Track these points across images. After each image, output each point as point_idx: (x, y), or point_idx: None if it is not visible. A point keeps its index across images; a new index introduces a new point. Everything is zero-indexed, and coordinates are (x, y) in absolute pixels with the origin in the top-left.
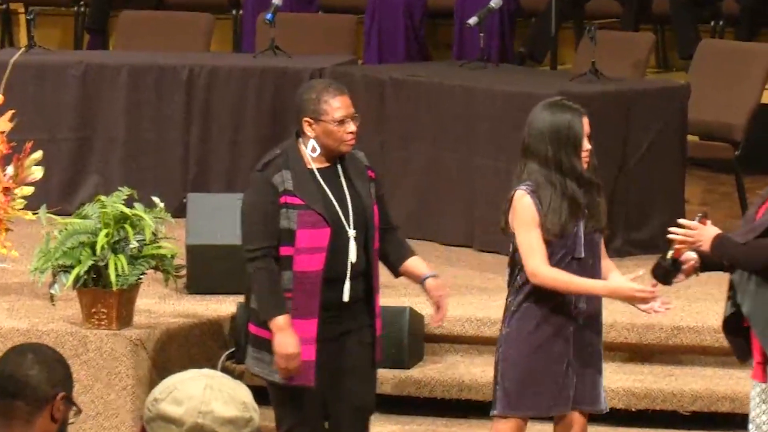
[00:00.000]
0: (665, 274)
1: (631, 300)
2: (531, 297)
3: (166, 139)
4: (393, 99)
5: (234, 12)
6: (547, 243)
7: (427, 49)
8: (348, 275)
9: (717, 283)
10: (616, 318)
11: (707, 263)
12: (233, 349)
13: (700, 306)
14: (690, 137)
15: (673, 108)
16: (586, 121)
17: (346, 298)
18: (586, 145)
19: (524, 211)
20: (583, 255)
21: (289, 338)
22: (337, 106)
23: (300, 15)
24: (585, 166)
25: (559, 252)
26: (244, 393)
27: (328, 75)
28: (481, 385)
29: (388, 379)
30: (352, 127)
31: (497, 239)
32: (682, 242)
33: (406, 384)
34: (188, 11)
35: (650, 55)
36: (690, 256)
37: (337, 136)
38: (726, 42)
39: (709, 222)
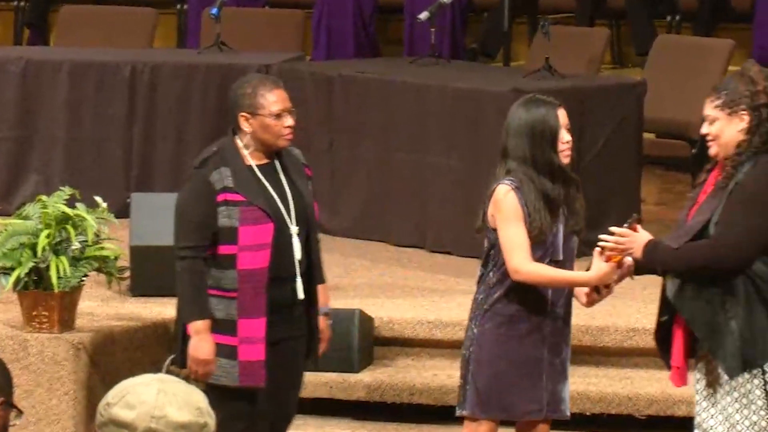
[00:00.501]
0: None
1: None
2: (505, 296)
3: (109, 138)
4: (342, 96)
5: (178, 6)
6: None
7: (377, 45)
8: (297, 273)
9: None
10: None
11: (641, 267)
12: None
13: (656, 308)
14: (646, 135)
15: (628, 105)
16: (562, 113)
17: (300, 295)
18: (565, 136)
19: (509, 207)
20: (561, 257)
21: (205, 343)
22: (273, 99)
23: (246, 10)
24: (567, 159)
25: (537, 254)
26: (198, 398)
27: (276, 71)
28: (432, 389)
29: (337, 383)
30: (289, 121)
31: (449, 240)
32: (613, 249)
33: (355, 388)
34: (131, 6)
35: (605, 51)
36: (625, 260)
37: (275, 131)
38: (683, 37)
39: (640, 227)
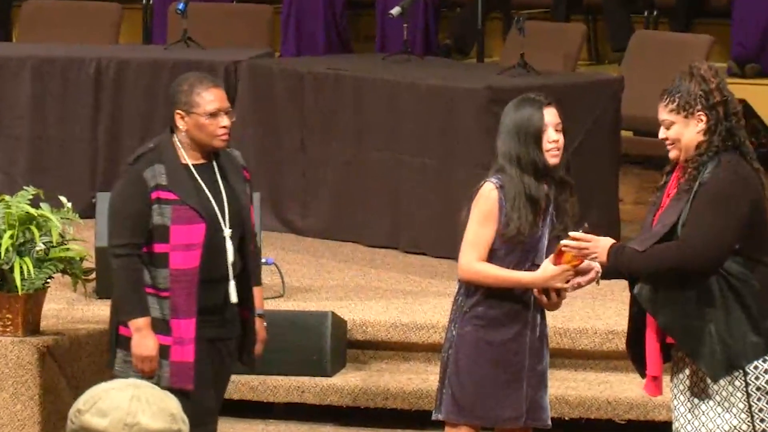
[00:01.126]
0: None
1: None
2: (486, 299)
3: (74, 136)
4: (313, 94)
5: (144, 1)
6: (506, 244)
7: (349, 41)
8: (231, 275)
9: None
10: (547, 322)
11: (607, 271)
12: None
13: None
14: (624, 133)
15: (605, 102)
16: (550, 111)
17: (233, 299)
18: (552, 135)
19: (486, 204)
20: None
21: (148, 340)
22: (210, 98)
23: (214, 5)
24: (555, 159)
25: (517, 255)
26: (172, 404)
27: (244, 68)
28: (407, 394)
29: (309, 387)
30: (225, 121)
31: (424, 240)
32: (575, 255)
33: (328, 392)
34: (95, 1)
35: (582, 47)
36: (591, 264)
37: (209, 130)
38: (660, 33)
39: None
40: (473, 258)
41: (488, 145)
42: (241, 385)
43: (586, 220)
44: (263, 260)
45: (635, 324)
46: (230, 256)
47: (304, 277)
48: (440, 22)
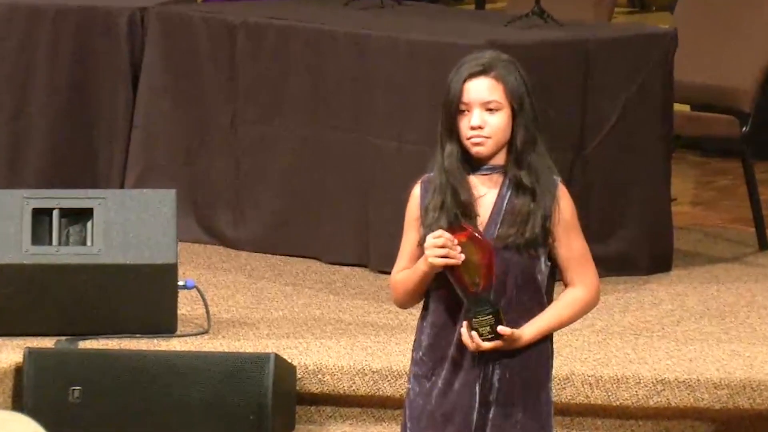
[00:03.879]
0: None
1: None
2: (423, 329)
3: None
4: (249, 53)
5: None
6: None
7: None
8: None
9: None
10: (574, 369)
11: None
12: None
13: (695, 349)
14: (677, 107)
15: (652, 65)
16: (477, 84)
17: None
18: (474, 119)
19: (408, 205)
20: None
21: None
22: None
23: None
24: (479, 149)
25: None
26: (19, 427)
27: (153, 17)
28: None
29: None
30: None
31: None
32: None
33: None
34: None
35: None
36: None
37: None
38: None
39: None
40: (394, 272)
41: None
42: None
43: (626, 226)
44: (181, 282)
45: None
46: None
47: (238, 306)
48: None
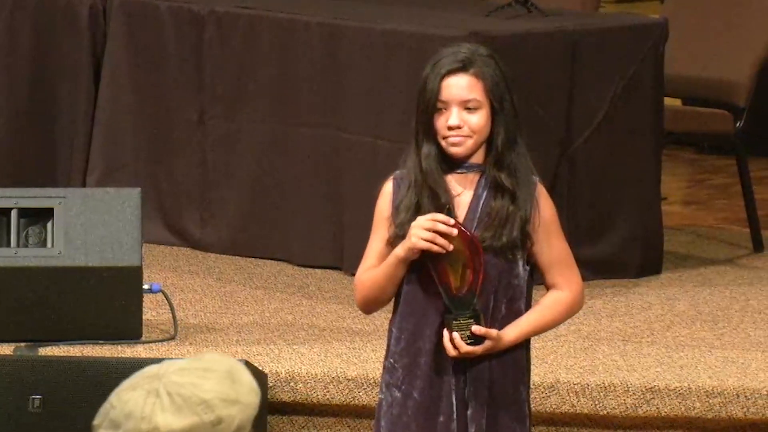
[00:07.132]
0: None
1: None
2: (393, 335)
3: None
4: (217, 43)
5: None
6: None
7: None
8: None
9: None
10: (559, 377)
11: None
12: None
13: (686, 355)
14: (668, 101)
15: (641, 57)
16: (456, 81)
17: None
18: (452, 119)
19: (378, 203)
20: None
21: None
22: None
23: None
24: (456, 149)
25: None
26: (207, 386)
27: (117, 7)
28: None
29: None
30: None
31: None
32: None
33: None
34: None
35: None
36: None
37: None
38: None
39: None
40: (359, 272)
41: None
42: None
43: (615, 227)
44: (146, 286)
45: None
46: None
47: (206, 311)
48: None
